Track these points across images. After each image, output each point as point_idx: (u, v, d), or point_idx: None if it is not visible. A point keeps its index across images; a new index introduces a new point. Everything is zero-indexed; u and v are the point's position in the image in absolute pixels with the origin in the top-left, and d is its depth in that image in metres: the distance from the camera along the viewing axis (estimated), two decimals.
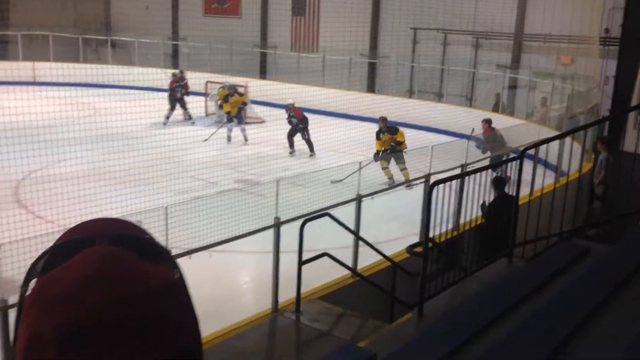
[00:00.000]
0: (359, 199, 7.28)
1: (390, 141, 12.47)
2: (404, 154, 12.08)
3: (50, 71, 21.09)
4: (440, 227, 6.11)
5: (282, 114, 14.91)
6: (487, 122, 13.31)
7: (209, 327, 5.34)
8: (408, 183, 10.15)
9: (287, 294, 6.28)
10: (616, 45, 16.76)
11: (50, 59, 23.25)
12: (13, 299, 4.37)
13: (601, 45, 16.70)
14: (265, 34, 24.97)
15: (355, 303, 6.54)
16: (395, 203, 10.14)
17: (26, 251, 4.73)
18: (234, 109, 15.74)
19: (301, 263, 6.06)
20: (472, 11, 19.83)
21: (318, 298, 6.53)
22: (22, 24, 23.47)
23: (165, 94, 17.82)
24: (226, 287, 7.73)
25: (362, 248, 7.20)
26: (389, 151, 12.39)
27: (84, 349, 0.62)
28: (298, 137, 14.62)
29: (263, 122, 17.53)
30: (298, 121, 14.57)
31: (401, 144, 12.45)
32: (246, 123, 16.17)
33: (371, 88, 21.88)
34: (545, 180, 8.12)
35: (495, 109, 18.14)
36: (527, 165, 6.43)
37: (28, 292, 0.68)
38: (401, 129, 12.91)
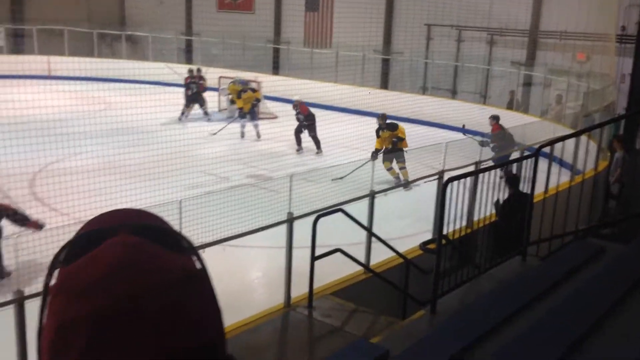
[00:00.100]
0: (372, 196, 7.27)
1: (391, 137, 12.17)
2: (404, 152, 11.69)
3: (65, 65, 21.27)
4: (454, 224, 6.08)
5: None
6: (495, 118, 13.00)
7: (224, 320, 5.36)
8: (414, 182, 9.86)
9: (299, 289, 6.28)
10: (633, 43, 16.54)
11: (65, 53, 23.44)
12: (29, 290, 4.40)
13: (617, 42, 16.52)
14: (279, 29, 24.95)
15: (367, 299, 6.52)
16: (408, 200, 10.10)
17: (42, 243, 4.77)
18: (247, 105, 15.68)
19: (314, 258, 6.06)
20: (487, 8, 19.67)
21: (330, 294, 6.53)
22: (37, 19, 23.66)
23: (181, 90, 17.84)
24: (239, 281, 7.75)
25: (375, 244, 7.18)
26: (390, 148, 12.07)
27: (113, 337, 0.62)
28: (306, 134, 14.48)
29: (275, 117, 17.51)
30: (304, 117, 14.44)
31: (402, 140, 12.16)
32: (259, 119, 16.16)
33: (384, 84, 21.81)
34: (561, 178, 8.06)
35: (510, 106, 18.02)
36: (542, 164, 6.37)
37: (52, 282, 0.68)
38: (401, 125, 12.60)
